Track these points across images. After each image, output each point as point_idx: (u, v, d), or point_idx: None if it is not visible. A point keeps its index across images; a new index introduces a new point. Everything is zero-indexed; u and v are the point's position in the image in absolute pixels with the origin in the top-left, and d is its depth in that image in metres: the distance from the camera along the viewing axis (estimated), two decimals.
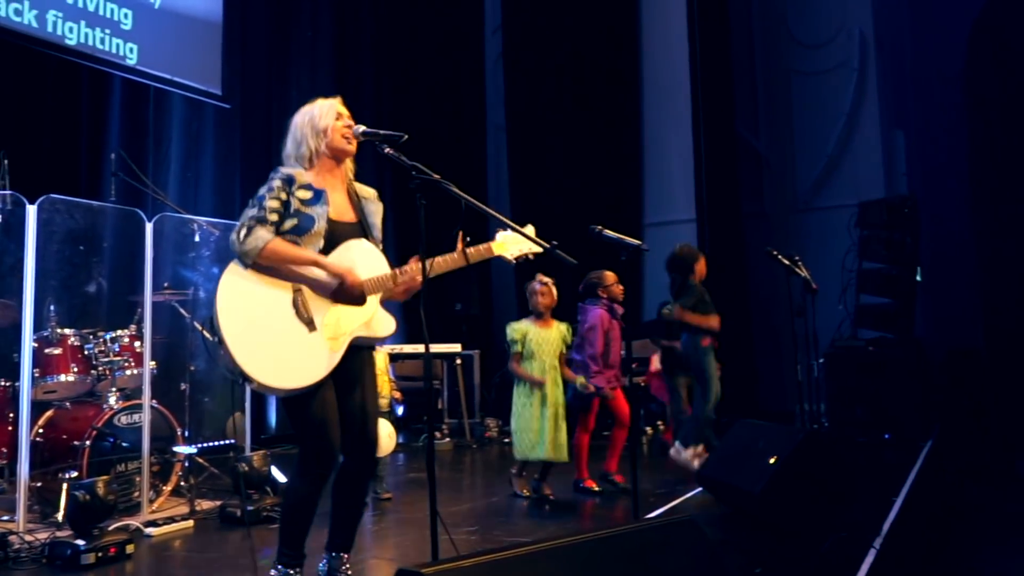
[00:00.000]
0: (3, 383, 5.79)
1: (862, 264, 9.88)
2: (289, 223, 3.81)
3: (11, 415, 5.65)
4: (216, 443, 7.57)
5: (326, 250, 3.88)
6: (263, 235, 3.70)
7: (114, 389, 6.03)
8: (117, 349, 6.15)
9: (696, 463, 7.30)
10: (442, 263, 4.01)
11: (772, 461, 5.30)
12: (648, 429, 9.74)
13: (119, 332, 6.24)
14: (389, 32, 11.90)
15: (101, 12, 7.85)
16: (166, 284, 6.79)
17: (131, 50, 8.07)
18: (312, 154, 3.95)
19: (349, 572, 4.12)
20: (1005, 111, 10.14)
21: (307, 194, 3.86)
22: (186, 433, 6.47)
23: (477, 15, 13.45)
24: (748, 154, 11.94)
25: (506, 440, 9.62)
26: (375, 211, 4.16)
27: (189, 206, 8.26)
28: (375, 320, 4.01)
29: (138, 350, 6.20)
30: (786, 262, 8.07)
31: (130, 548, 4.98)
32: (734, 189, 11.38)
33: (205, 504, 6.12)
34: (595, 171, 12.23)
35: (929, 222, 10.07)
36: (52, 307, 5.98)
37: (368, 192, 4.17)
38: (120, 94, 8.45)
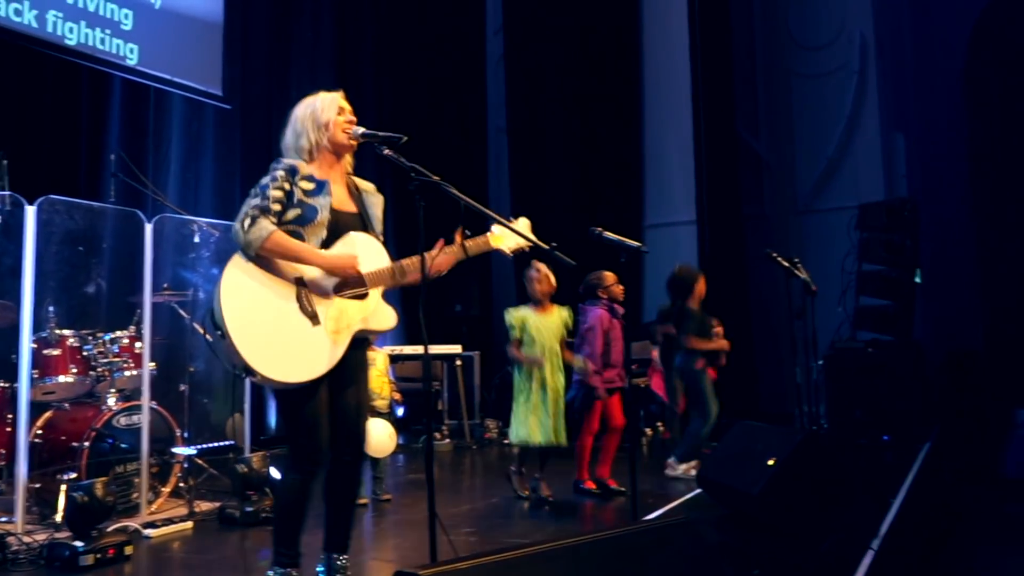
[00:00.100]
0: (2, 384, 5.77)
1: (862, 266, 9.88)
2: (292, 213, 3.80)
3: (10, 416, 5.64)
4: (215, 444, 7.57)
5: (329, 240, 3.88)
6: (267, 225, 3.68)
7: (113, 390, 6.02)
8: (116, 350, 6.14)
9: (692, 474, 7.31)
10: (442, 258, 4.04)
11: (771, 463, 5.30)
12: (648, 430, 9.73)
13: (118, 333, 6.24)
14: (390, 33, 11.90)
15: (101, 12, 7.83)
16: (166, 285, 6.78)
17: (131, 50, 8.06)
18: (312, 147, 3.95)
19: (348, 574, 4.12)
20: (1005, 114, 10.15)
21: (309, 185, 3.86)
22: (185, 434, 6.44)
23: (478, 17, 13.44)
24: (748, 156, 11.93)
25: (506, 441, 9.63)
26: (375, 203, 4.16)
27: (189, 207, 8.24)
28: (377, 313, 4.02)
29: (137, 351, 6.20)
30: (785, 264, 8.07)
31: (129, 550, 4.97)
32: (734, 191, 11.38)
33: (204, 505, 6.11)
34: (596, 173, 12.24)
35: (929, 224, 10.07)
36: (51, 308, 5.97)
37: (367, 185, 4.18)
38: (120, 94, 8.44)
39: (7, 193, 5.53)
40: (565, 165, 12.29)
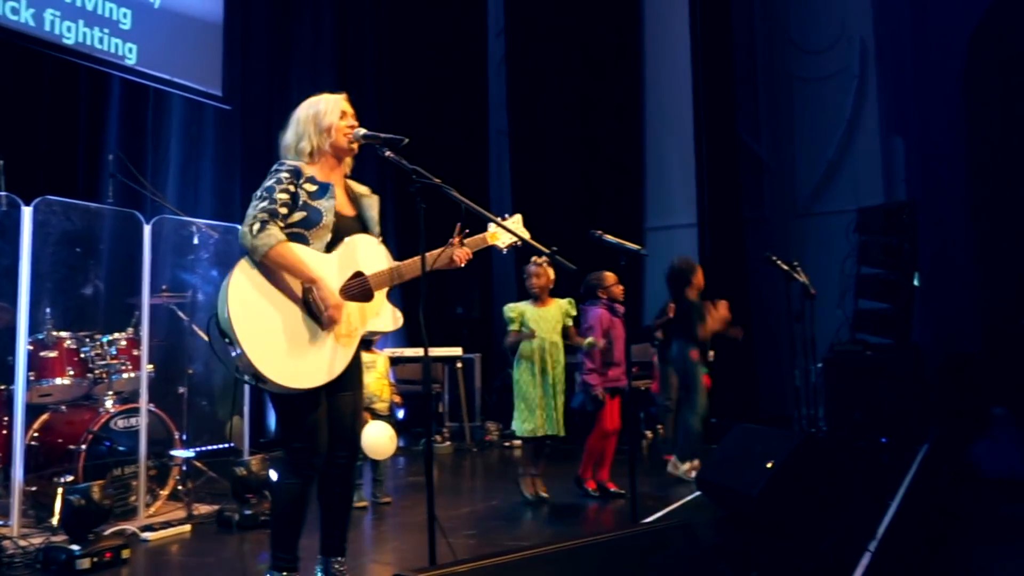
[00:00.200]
0: None
1: (861, 269, 9.89)
2: (298, 215, 3.78)
3: (6, 418, 5.60)
4: (214, 447, 7.54)
5: (332, 244, 3.87)
6: (276, 233, 3.65)
7: (111, 392, 5.98)
8: (114, 352, 6.11)
9: (692, 475, 7.29)
10: (443, 257, 4.06)
11: (769, 465, 5.31)
12: (648, 433, 9.71)
13: (116, 335, 6.20)
14: (391, 34, 11.89)
15: (100, 11, 7.81)
16: (164, 287, 6.75)
17: (130, 50, 8.04)
18: (314, 150, 3.93)
19: None
20: (1004, 117, 10.16)
21: (313, 187, 3.85)
22: (184, 437, 6.42)
23: (480, 19, 13.43)
24: (749, 159, 11.94)
25: (506, 444, 9.62)
26: (371, 205, 4.16)
27: (188, 208, 8.23)
28: (383, 314, 4.02)
29: (135, 353, 6.16)
30: (785, 267, 8.09)
31: (126, 553, 4.94)
32: (735, 194, 11.38)
33: (203, 508, 6.07)
34: (596, 175, 12.24)
35: (928, 227, 10.08)
36: (48, 310, 5.94)
37: (362, 188, 4.17)
38: (119, 94, 8.41)
39: (3, 194, 5.49)
40: (566, 167, 12.29)
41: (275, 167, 3.84)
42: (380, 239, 4.10)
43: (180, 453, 6.19)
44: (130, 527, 5.48)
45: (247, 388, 6.77)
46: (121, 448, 5.82)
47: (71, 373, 5.91)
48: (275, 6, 10.14)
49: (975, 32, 10.50)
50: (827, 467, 5.56)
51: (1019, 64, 9.99)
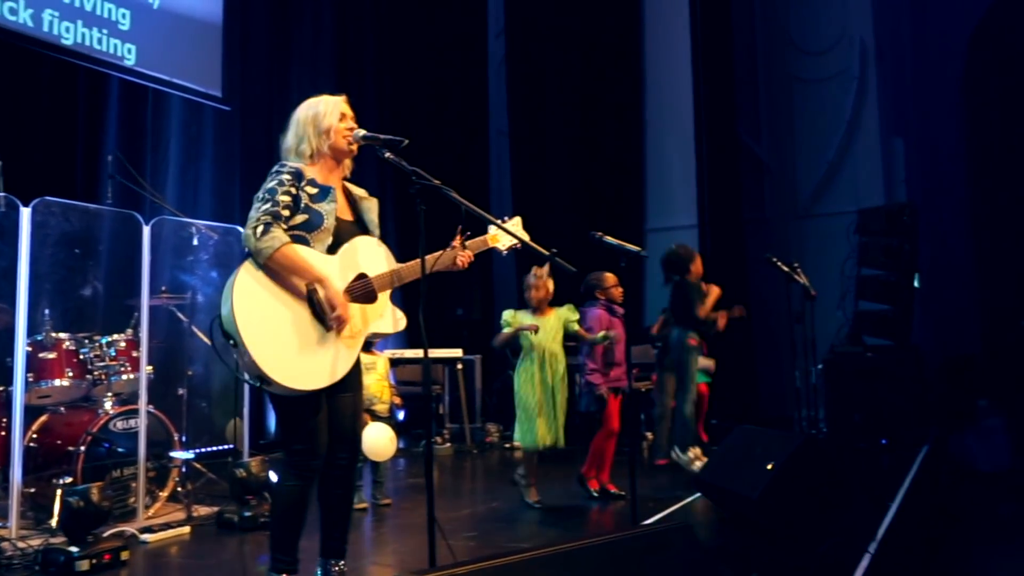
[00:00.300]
0: None
1: (861, 271, 9.87)
2: (300, 218, 3.78)
3: (4, 420, 5.59)
4: (214, 448, 7.53)
5: (332, 247, 3.86)
6: (279, 235, 3.65)
7: (110, 394, 5.96)
8: (113, 354, 6.10)
9: (697, 465, 7.29)
10: (444, 259, 4.06)
11: (770, 467, 5.30)
12: (649, 434, 9.70)
13: (115, 336, 6.19)
14: (391, 35, 11.87)
15: (99, 12, 7.79)
16: (163, 288, 6.74)
17: (129, 51, 8.02)
18: (313, 152, 3.92)
19: None
20: (1004, 119, 10.15)
21: (314, 190, 3.84)
22: (183, 438, 6.41)
23: (480, 19, 13.40)
24: (749, 160, 11.93)
25: (507, 446, 9.60)
26: (371, 208, 4.15)
27: (188, 209, 8.22)
28: (386, 316, 4.03)
29: (135, 355, 6.16)
30: (785, 269, 8.09)
31: (125, 555, 4.94)
32: (735, 195, 11.37)
33: (202, 510, 6.08)
34: (597, 176, 12.21)
35: (928, 229, 10.07)
36: (47, 311, 5.92)
37: (359, 191, 4.16)
38: (118, 95, 8.37)
39: (2, 194, 5.48)
40: (566, 168, 12.27)
41: (276, 169, 3.83)
42: (380, 241, 4.10)
43: (179, 455, 6.18)
44: (129, 529, 5.48)
45: (247, 389, 6.76)
46: (120, 450, 5.81)
47: (70, 374, 5.90)
48: (275, 7, 10.12)
49: (975, 33, 10.49)
50: (827, 469, 5.55)
51: (1019, 65, 9.98)
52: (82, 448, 5.58)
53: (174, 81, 8.46)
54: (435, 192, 3.69)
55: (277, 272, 3.69)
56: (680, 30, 11.70)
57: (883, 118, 11.36)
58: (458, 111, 12.81)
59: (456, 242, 4.13)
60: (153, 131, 8.68)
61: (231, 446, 7.46)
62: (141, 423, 5.86)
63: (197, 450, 6.90)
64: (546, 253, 4.08)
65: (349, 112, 4.01)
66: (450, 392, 10.21)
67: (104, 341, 6.13)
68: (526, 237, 4.36)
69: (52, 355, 5.85)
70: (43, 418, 5.87)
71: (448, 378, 10.19)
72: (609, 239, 5.23)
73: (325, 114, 3.94)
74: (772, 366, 10.74)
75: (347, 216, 4.01)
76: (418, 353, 9.58)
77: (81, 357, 6.00)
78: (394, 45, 11.87)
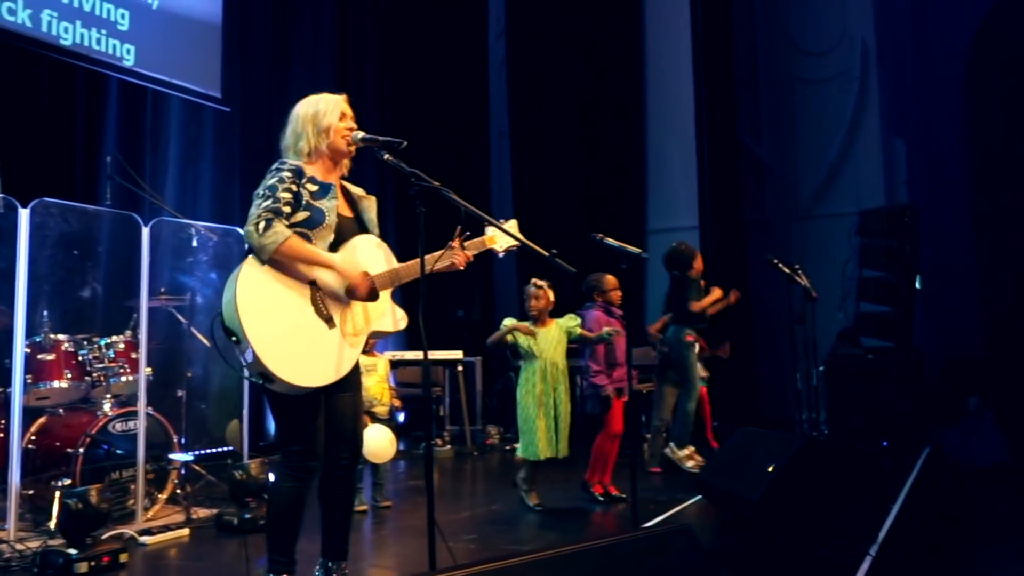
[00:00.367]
0: None
1: (862, 272, 9.85)
2: (301, 215, 3.76)
3: (3, 421, 5.58)
4: (213, 450, 7.52)
5: (334, 245, 3.86)
6: (282, 230, 3.64)
7: (109, 396, 5.96)
8: (112, 355, 6.09)
9: (691, 464, 7.28)
10: (443, 260, 4.06)
11: (771, 469, 5.30)
12: (649, 436, 9.68)
13: (114, 338, 6.19)
14: (391, 36, 11.85)
15: (97, 12, 7.76)
16: (163, 289, 6.72)
17: (128, 51, 8.00)
18: (311, 150, 3.91)
19: None
20: (1006, 120, 10.14)
21: (314, 187, 3.84)
22: (182, 440, 6.40)
23: (481, 20, 13.39)
24: (750, 161, 11.92)
25: (507, 448, 9.59)
26: (369, 207, 4.15)
27: (187, 211, 8.21)
28: (388, 315, 4.03)
29: (134, 356, 6.15)
30: (786, 270, 8.08)
31: (124, 557, 4.93)
32: (736, 196, 11.36)
33: (201, 512, 6.06)
34: (598, 177, 12.20)
35: (929, 230, 10.04)
36: (45, 312, 5.91)
37: (357, 190, 4.16)
38: (117, 96, 8.34)
39: (0, 196, 5.48)
40: (567, 169, 12.27)
41: (276, 166, 3.82)
42: (380, 239, 4.09)
43: (179, 457, 6.17)
44: (128, 531, 5.47)
45: (246, 391, 6.74)
46: (119, 451, 5.80)
47: (69, 376, 5.89)
48: (275, 7, 10.10)
49: (977, 33, 10.48)
50: (828, 471, 5.55)
51: (1021, 65, 9.96)
52: (81, 450, 5.56)
53: (173, 82, 8.44)
54: (435, 193, 3.68)
55: (282, 266, 3.69)
56: (681, 31, 11.70)
57: (884, 119, 11.34)
58: (458, 112, 12.79)
59: (455, 243, 4.12)
60: (152, 132, 8.64)
61: (230, 448, 7.46)
62: (140, 425, 5.85)
63: (196, 452, 6.87)
64: (546, 254, 4.07)
65: (349, 112, 4.00)
66: (450, 394, 10.19)
67: (103, 343, 6.12)
68: (523, 239, 4.33)
69: (51, 357, 5.84)
70: (42, 420, 5.85)
71: (448, 380, 10.17)
72: (610, 240, 5.23)
73: (325, 112, 3.93)
74: (773, 368, 10.72)
75: (347, 213, 4.01)
76: (418, 355, 9.56)
77: (80, 359, 5.99)
78: (394, 46, 11.85)
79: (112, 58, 7.89)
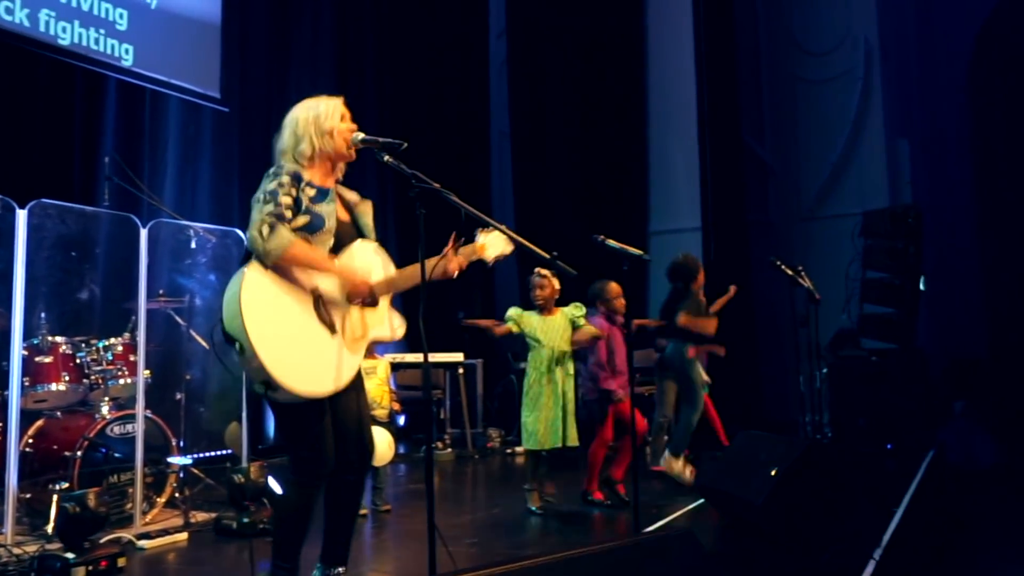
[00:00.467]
0: None
1: (866, 273, 9.82)
2: (301, 220, 3.72)
3: (0, 425, 5.55)
4: (212, 453, 7.49)
5: (333, 250, 3.84)
6: (287, 234, 3.60)
7: (107, 398, 5.93)
8: (110, 358, 6.07)
9: (687, 474, 7.25)
10: (437, 268, 4.03)
11: (773, 472, 5.28)
12: (651, 438, 9.65)
13: (112, 340, 6.16)
14: (391, 35, 11.83)
15: (96, 12, 7.74)
16: (161, 291, 6.70)
17: (127, 51, 7.98)
18: (314, 153, 3.87)
19: None
20: (1010, 119, 10.13)
21: (313, 192, 3.80)
22: (181, 443, 6.38)
23: (481, 20, 13.36)
24: (753, 162, 11.89)
25: (508, 451, 9.57)
26: (365, 212, 4.12)
27: (186, 212, 8.18)
28: (388, 321, 4.01)
29: (132, 359, 6.12)
30: (789, 272, 8.04)
31: (122, 561, 4.90)
32: (739, 197, 11.34)
33: (200, 516, 6.03)
34: (600, 178, 12.18)
35: (934, 231, 10.02)
36: (43, 314, 5.89)
37: (352, 195, 4.12)
38: (115, 96, 8.31)
39: None
40: (569, 170, 12.24)
41: (273, 171, 3.77)
42: (378, 244, 4.07)
43: (177, 460, 6.14)
44: (126, 535, 5.44)
45: (245, 394, 6.71)
46: (117, 455, 5.77)
47: (67, 379, 5.85)
48: (274, 7, 10.08)
49: (980, 33, 10.46)
50: (832, 474, 5.53)
51: None
52: (79, 453, 5.53)
53: (172, 82, 8.41)
54: (435, 195, 3.65)
55: (285, 272, 3.65)
56: (683, 31, 11.68)
57: (888, 119, 11.31)
58: (459, 112, 12.75)
59: (449, 249, 4.09)
60: (151, 132, 8.61)
61: (229, 451, 7.43)
62: (138, 428, 5.81)
63: (195, 455, 6.86)
64: (547, 257, 4.05)
65: (348, 114, 3.97)
66: (451, 397, 10.17)
67: (101, 345, 6.09)
68: (511, 248, 4.35)
69: (48, 359, 5.80)
70: (39, 423, 5.82)
71: (449, 382, 10.15)
72: (611, 242, 5.21)
73: (327, 115, 3.89)
74: (776, 370, 10.69)
75: (345, 218, 3.98)
76: (419, 357, 9.54)
77: (78, 361, 5.95)
78: (394, 46, 11.82)
79: (110, 58, 7.87)
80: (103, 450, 5.69)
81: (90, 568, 4.69)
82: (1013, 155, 10.01)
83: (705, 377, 8.05)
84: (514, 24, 12.90)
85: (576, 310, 6.52)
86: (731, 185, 11.24)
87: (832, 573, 4.69)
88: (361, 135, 3.90)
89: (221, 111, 9.04)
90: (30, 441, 5.69)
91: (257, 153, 8.86)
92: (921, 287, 9.54)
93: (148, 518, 5.88)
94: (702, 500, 6.43)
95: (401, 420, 7.57)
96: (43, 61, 7.54)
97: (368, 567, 5.10)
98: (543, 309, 6.50)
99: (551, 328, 6.41)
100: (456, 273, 4.12)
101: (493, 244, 4.31)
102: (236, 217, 8.50)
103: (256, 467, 6.00)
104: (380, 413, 6.36)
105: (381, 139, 3.83)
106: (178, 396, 6.80)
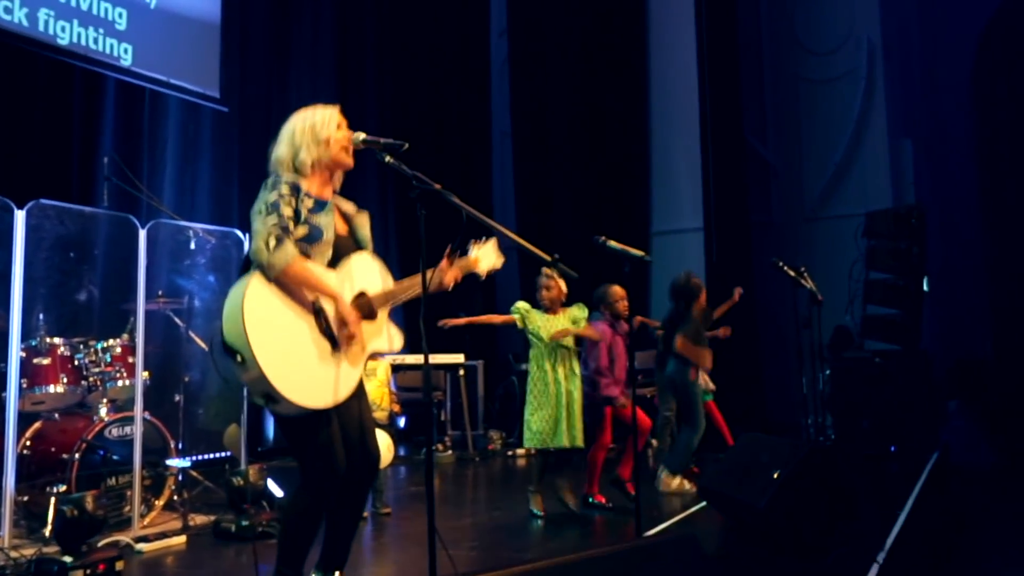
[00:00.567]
0: None
1: (869, 274, 9.79)
2: (301, 231, 3.69)
3: None
4: (211, 456, 7.46)
5: (332, 262, 3.81)
6: (292, 250, 3.58)
7: (105, 400, 5.91)
8: (109, 359, 6.05)
9: (687, 487, 7.21)
10: (433, 280, 4.06)
11: (776, 475, 5.24)
12: (654, 442, 9.61)
13: (111, 342, 6.13)
14: (392, 34, 11.81)
15: (95, 11, 7.73)
16: (160, 292, 6.68)
17: (126, 51, 7.96)
18: (313, 163, 3.84)
19: None
20: (1014, 119, 10.13)
21: (311, 203, 3.77)
22: (179, 446, 6.36)
23: (483, 19, 13.35)
24: (756, 162, 11.87)
25: (510, 453, 9.53)
26: (363, 223, 4.10)
27: (185, 212, 8.16)
28: (385, 335, 3.99)
29: (130, 360, 6.09)
30: (792, 273, 8.01)
31: (120, 565, 4.86)
32: (742, 197, 11.30)
33: (199, 519, 5.99)
34: (601, 178, 12.15)
35: (937, 231, 10.01)
36: (41, 316, 5.88)
37: (349, 206, 4.09)
38: (114, 96, 8.29)
39: None
40: (570, 170, 12.20)
41: (272, 181, 3.74)
42: (375, 256, 4.06)
43: (176, 462, 6.13)
44: (124, 538, 5.40)
45: (245, 396, 6.69)
46: (115, 457, 5.74)
47: (65, 380, 5.82)
48: (274, 6, 10.06)
49: (983, 32, 10.47)
50: (835, 477, 5.49)
51: None
52: (76, 455, 5.52)
53: (171, 81, 8.40)
54: (436, 196, 3.64)
55: (287, 286, 3.63)
56: (685, 30, 11.64)
57: (891, 119, 11.29)
58: (460, 112, 12.73)
59: (444, 262, 4.13)
60: (150, 132, 8.58)
61: (228, 454, 7.40)
62: (137, 430, 5.79)
63: (194, 458, 6.85)
64: (548, 258, 4.03)
65: (344, 122, 3.94)
66: (452, 398, 10.14)
67: (99, 346, 6.07)
68: (501, 261, 4.41)
69: (46, 361, 5.78)
70: (37, 425, 5.80)
71: (450, 384, 10.12)
72: (612, 244, 5.17)
73: (323, 124, 3.87)
74: (779, 371, 10.67)
75: (343, 229, 3.96)
76: (419, 359, 9.49)
77: (76, 363, 5.93)
78: (395, 45, 11.80)
79: (109, 57, 7.86)
80: (101, 452, 5.66)
81: (88, 572, 4.65)
82: (1017, 155, 10.01)
83: (710, 385, 8.03)
84: (515, 23, 12.88)
85: (579, 311, 6.49)
86: (733, 185, 11.20)
87: None
88: (362, 135, 3.87)
89: (221, 111, 9.02)
90: (28, 443, 5.66)
91: (257, 153, 8.79)
92: (925, 288, 9.51)
93: (146, 521, 5.85)
94: (704, 503, 6.39)
95: (401, 422, 7.56)
96: (42, 61, 7.52)
97: (367, 571, 5.07)
98: (549, 309, 6.47)
99: (555, 326, 6.38)
100: (452, 285, 4.14)
101: (485, 257, 4.35)
102: (236, 218, 8.48)
103: (255, 470, 5.99)
104: (380, 415, 6.34)
105: (382, 140, 3.80)
106: (177, 398, 6.78)
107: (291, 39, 10.33)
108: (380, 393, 6.39)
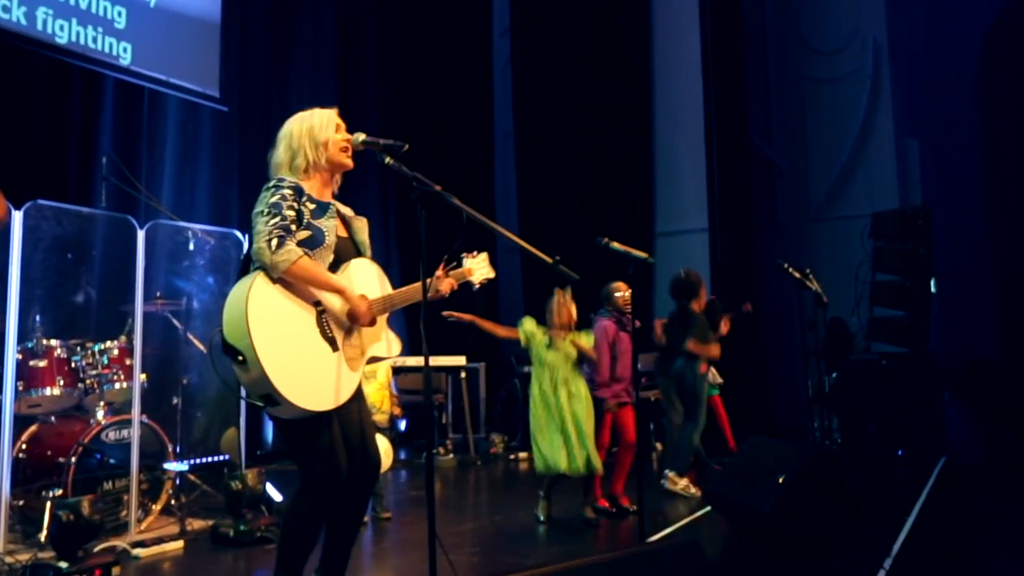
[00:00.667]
0: None
1: (875, 276, 9.73)
2: (303, 234, 3.69)
3: None
4: (209, 460, 7.43)
5: (332, 266, 3.80)
6: (295, 249, 3.56)
7: (102, 403, 5.89)
8: (106, 361, 6.03)
9: (692, 490, 7.17)
10: (431, 287, 4.07)
11: (782, 479, 5.21)
12: (658, 445, 9.57)
13: (108, 344, 6.11)
14: (393, 33, 11.81)
15: (94, 10, 7.72)
16: (158, 294, 6.67)
17: (125, 50, 7.95)
18: (310, 166, 3.84)
19: None
20: (1021, 120, 10.10)
21: (313, 206, 3.77)
22: (177, 449, 6.35)
23: (485, 18, 13.35)
24: (761, 162, 11.83)
25: (512, 457, 9.49)
26: (361, 228, 4.08)
27: (184, 213, 8.14)
28: (383, 340, 3.98)
29: (128, 363, 6.07)
30: (797, 275, 7.97)
31: (116, 570, 4.87)
32: (747, 198, 11.27)
33: (196, 523, 5.96)
34: (605, 178, 12.11)
35: (944, 232, 9.95)
36: (38, 317, 5.87)
37: (348, 210, 4.08)
38: (113, 95, 8.26)
39: None
40: (573, 170, 12.17)
41: (274, 184, 3.72)
42: (374, 261, 4.06)
43: (173, 466, 6.13)
44: (121, 543, 5.40)
45: (244, 398, 6.65)
46: (112, 461, 5.73)
47: (61, 383, 5.80)
48: (274, 5, 10.05)
49: (990, 31, 10.43)
50: (841, 481, 5.47)
51: None
52: (73, 459, 5.50)
53: (170, 81, 8.39)
54: (436, 198, 3.63)
55: (291, 286, 3.62)
56: (690, 29, 11.63)
57: (897, 119, 11.24)
58: (462, 112, 12.73)
59: (440, 271, 4.18)
60: (149, 132, 8.56)
61: (227, 457, 7.37)
62: (134, 433, 5.78)
63: (191, 461, 6.85)
64: (549, 261, 4.00)
65: (343, 124, 3.92)
66: (453, 401, 10.10)
67: (97, 348, 6.04)
68: (493, 272, 4.44)
69: (43, 363, 5.75)
70: (33, 428, 5.77)
71: (451, 387, 10.08)
72: (615, 245, 5.15)
73: (321, 126, 3.87)
74: (784, 374, 10.62)
75: (343, 233, 3.95)
76: (420, 361, 9.44)
77: (73, 365, 5.90)
78: (396, 44, 11.79)
79: (108, 57, 7.84)
80: (98, 456, 5.65)
81: None
82: None
83: (718, 378, 7.98)
84: (518, 23, 12.86)
85: (584, 339, 6.38)
86: (738, 186, 11.16)
87: None
88: (362, 136, 3.87)
89: (220, 110, 9.00)
90: (23, 447, 5.64)
91: (256, 153, 8.76)
92: (932, 290, 9.45)
93: (143, 526, 5.85)
94: (709, 508, 6.35)
95: (402, 425, 7.52)
96: (40, 60, 7.50)
97: None
98: (555, 333, 6.38)
99: (558, 351, 6.29)
100: (448, 293, 4.17)
101: (479, 269, 4.38)
102: (235, 218, 8.47)
103: (254, 474, 5.97)
104: (380, 418, 6.32)
105: (382, 140, 3.80)
106: (175, 401, 6.75)
107: (291, 38, 10.31)
108: (380, 396, 6.36)
